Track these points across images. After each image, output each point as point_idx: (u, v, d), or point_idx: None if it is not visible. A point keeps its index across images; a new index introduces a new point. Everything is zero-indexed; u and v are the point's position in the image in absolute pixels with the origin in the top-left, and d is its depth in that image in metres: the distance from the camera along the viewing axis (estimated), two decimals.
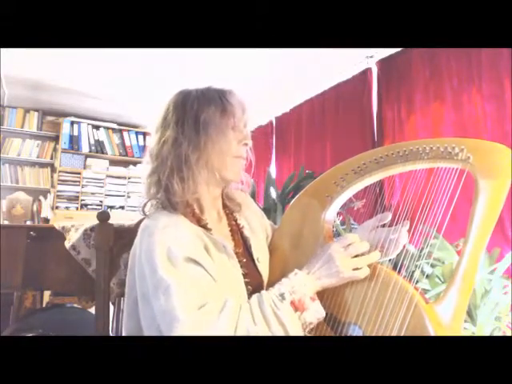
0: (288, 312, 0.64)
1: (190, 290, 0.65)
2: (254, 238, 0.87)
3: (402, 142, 0.74)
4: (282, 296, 0.66)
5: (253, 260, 0.83)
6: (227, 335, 0.62)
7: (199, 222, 0.79)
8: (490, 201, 0.63)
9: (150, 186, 0.79)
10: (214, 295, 0.66)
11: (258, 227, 0.91)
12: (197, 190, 0.77)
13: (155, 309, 0.66)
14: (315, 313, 0.67)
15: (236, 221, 0.89)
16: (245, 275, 0.78)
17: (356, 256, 0.70)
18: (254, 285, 0.78)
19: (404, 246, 0.77)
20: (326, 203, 0.80)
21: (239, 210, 0.91)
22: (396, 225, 0.74)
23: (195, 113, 0.78)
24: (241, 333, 0.62)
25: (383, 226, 0.79)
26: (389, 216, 0.78)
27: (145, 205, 0.81)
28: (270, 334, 0.63)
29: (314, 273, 0.70)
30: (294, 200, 0.87)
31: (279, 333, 0.63)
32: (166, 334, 0.64)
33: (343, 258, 0.69)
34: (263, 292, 0.68)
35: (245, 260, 0.81)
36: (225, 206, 0.90)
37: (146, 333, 0.70)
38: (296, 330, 0.65)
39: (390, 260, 0.74)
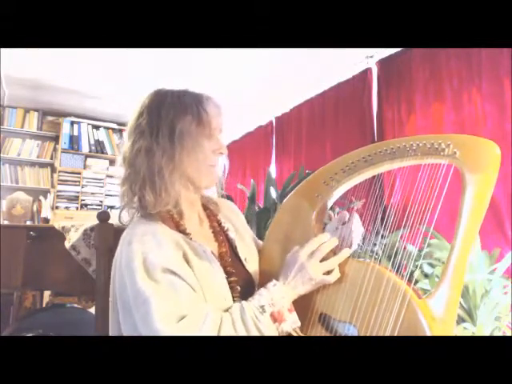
0: (268, 324, 0.66)
1: (169, 301, 0.65)
2: (239, 240, 0.87)
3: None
4: (263, 308, 0.67)
5: (240, 260, 0.83)
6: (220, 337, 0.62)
7: (178, 228, 0.78)
8: (477, 195, 0.64)
9: (123, 194, 0.78)
10: (193, 306, 0.66)
11: (243, 230, 0.91)
12: (169, 200, 0.75)
13: (136, 320, 0.67)
14: (292, 323, 0.69)
15: (220, 224, 0.88)
16: (232, 274, 0.77)
17: (327, 256, 0.72)
18: (243, 284, 0.78)
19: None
20: (316, 203, 0.80)
21: (217, 208, 0.90)
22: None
23: (170, 122, 0.76)
24: None
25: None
26: (346, 215, 0.81)
27: (120, 212, 0.81)
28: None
29: (289, 283, 0.71)
30: (284, 201, 0.87)
31: None
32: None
33: (313, 264, 0.71)
34: (244, 303, 0.69)
35: (230, 259, 0.80)
36: (206, 208, 0.89)
37: None
38: None
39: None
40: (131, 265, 0.68)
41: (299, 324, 0.70)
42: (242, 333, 0.64)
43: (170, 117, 0.76)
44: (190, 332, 0.62)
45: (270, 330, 0.66)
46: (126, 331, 0.70)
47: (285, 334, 0.68)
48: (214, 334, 0.63)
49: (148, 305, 0.64)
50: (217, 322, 0.65)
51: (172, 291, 0.66)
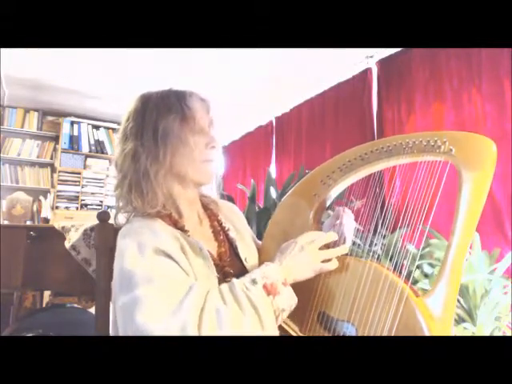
0: (260, 294, 0.63)
1: (156, 280, 0.63)
2: (240, 240, 0.86)
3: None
4: (254, 281, 0.64)
5: (240, 260, 0.83)
6: (193, 316, 0.59)
7: (176, 225, 0.78)
8: (474, 192, 0.64)
9: (117, 198, 0.79)
10: (182, 287, 0.63)
11: (244, 230, 0.91)
12: (158, 202, 0.75)
13: (121, 300, 0.63)
14: (288, 298, 0.65)
15: (221, 224, 0.88)
16: (229, 274, 0.77)
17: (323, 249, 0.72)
18: None
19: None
20: (313, 202, 0.80)
21: (218, 208, 0.90)
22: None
23: (154, 123, 0.76)
24: (209, 313, 0.60)
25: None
26: (341, 212, 0.81)
27: (116, 215, 0.81)
28: (242, 316, 0.60)
29: (286, 263, 0.69)
30: (282, 200, 0.87)
31: (251, 315, 0.61)
32: (129, 323, 0.61)
33: (313, 249, 0.70)
34: (234, 279, 0.67)
35: (229, 259, 0.80)
36: (206, 209, 0.89)
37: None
38: (269, 315, 0.62)
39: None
40: (123, 253, 0.68)
41: (296, 300, 0.67)
42: (231, 303, 0.61)
43: (154, 118, 0.77)
44: (173, 300, 0.60)
45: (263, 301, 0.62)
46: (122, 332, 0.66)
47: (281, 312, 0.65)
48: (199, 306, 0.60)
49: (134, 283, 0.62)
50: (202, 292, 0.63)
51: (161, 271, 0.64)
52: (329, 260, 0.72)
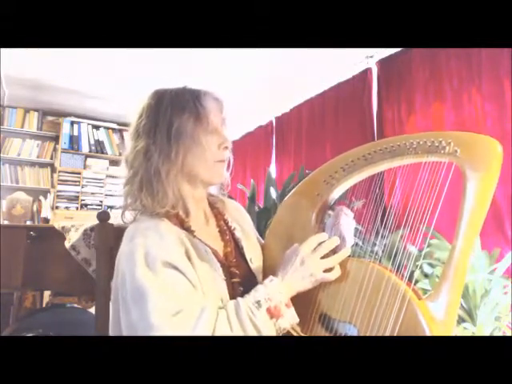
0: (264, 319, 0.65)
1: (166, 295, 0.64)
2: (245, 240, 0.86)
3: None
4: (259, 303, 0.66)
5: (246, 261, 0.82)
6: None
7: (182, 225, 0.78)
8: (479, 194, 0.63)
9: (126, 195, 0.79)
10: (191, 301, 0.65)
11: (249, 230, 0.91)
12: (168, 202, 0.75)
13: (133, 314, 0.65)
14: (290, 318, 0.67)
15: (227, 223, 0.88)
16: (235, 275, 0.77)
17: (326, 256, 0.71)
18: (247, 285, 0.76)
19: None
20: (316, 202, 0.79)
21: (224, 207, 0.90)
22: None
23: (168, 121, 0.76)
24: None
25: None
26: (339, 212, 0.80)
27: (123, 212, 0.81)
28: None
29: (289, 278, 0.70)
30: (284, 200, 0.86)
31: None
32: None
33: (313, 260, 0.70)
34: (239, 299, 0.68)
35: (235, 260, 0.80)
36: (213, 207, 0.89)
37: None
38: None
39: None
40: (132, 260, 0.68)
41: (297, 320, 0.68)
42: (237, 329, 0.63)
43: (168, 116, 0.76)
44: (185, 327, 0.62)
45: (266, 325, 0.64)
46: (125, 328, 0.68)
47: (283, 332, 0.67)
48: (210, 330, 0.62)
49: (145, 299, 0.63)
50: (213, 317, 0.64)
51: (171, 285, 0.66)
52: (331, 269, 0.71)
